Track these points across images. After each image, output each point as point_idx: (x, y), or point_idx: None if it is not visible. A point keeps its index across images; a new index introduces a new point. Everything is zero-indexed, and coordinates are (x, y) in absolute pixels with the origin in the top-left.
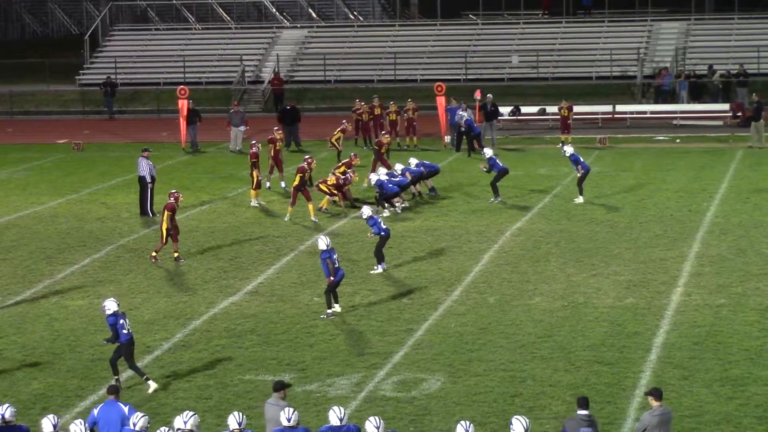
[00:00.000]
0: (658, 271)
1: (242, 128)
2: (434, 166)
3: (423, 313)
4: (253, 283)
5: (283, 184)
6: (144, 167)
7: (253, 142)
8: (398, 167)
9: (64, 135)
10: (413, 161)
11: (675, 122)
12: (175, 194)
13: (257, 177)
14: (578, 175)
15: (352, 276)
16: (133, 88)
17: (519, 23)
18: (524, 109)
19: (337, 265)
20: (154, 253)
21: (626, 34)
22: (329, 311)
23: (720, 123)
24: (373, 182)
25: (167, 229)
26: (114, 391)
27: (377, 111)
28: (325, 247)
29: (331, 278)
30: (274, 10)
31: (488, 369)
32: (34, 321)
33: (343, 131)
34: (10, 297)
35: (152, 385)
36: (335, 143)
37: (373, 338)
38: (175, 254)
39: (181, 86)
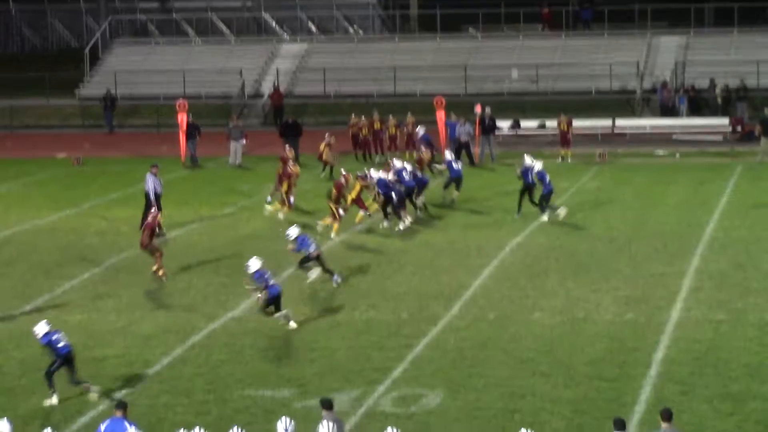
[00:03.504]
0: (657, 287)
1: (242, 142)
2: (424, 180)
3: (422, 329)
4: (253, 298)
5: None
6: (149, 183)
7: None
8: (373, 173)
9: (63, 149)
10: (403, 166)
11: (675, 137)
12: (154, 212)
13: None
14: (540, 193)
15: (351, 291)
16: (132, 102)
17: (519, 37)
18: (524, 123)
19: (271, 282)
20: (159, 271)
21: (626, 48)
22: (292, 323)
23: (720, 138)
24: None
25: (150, 246)
26: (122, 407)
27: (377, 125)
28: (258, 267)
29: (261, 295)
30: (273, 24)
31: (488, 384)
32: (33, 336)
33: (328, 145)
34: (9, 312)
35: (94, 394)
36: (328, 159)
37: (372, 353)
38: (158, 270)
39: (181, 100)
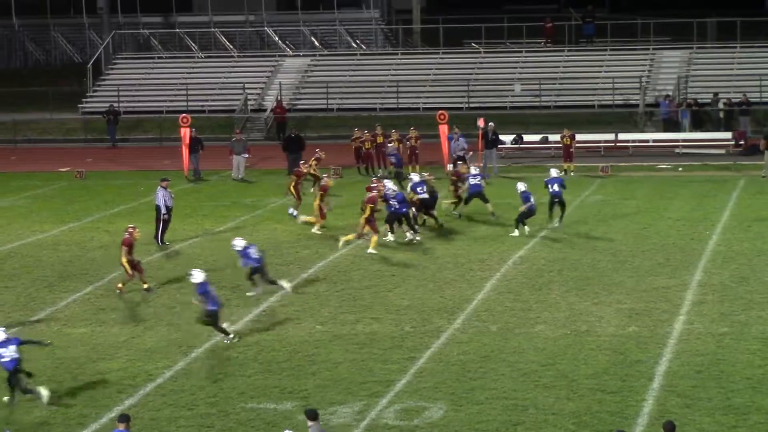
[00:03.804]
0: (660, 300)
1: (244, 156)
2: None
3: (425, 341)
4: (255, 311)
5: (292, 211)
6: (159, 197)
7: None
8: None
9: (66, 163)
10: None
11: (677, 151)
12: (131, 229)
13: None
14: (521, 209)
15: (354, 304)
16: (135, 117)
17: (521, 52)
18: (526, 138)
19: (212, 299)
20: (120, 285)
21: (628, 63)
22: (230, 336)
23: (722, 152)
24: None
25: (129, 262)
26: (125, 420)
27: (379, 139)
28: (201, 280)
29: (209, 307)
30: (276, 38)
31: (490, 397)
32: (36, 349)
33: (317, 160)
34: (12, 325)
35: (44, 395)
36: (315, 173)
37: (375, 366)
38: (145, 285)
39: (183, 114)
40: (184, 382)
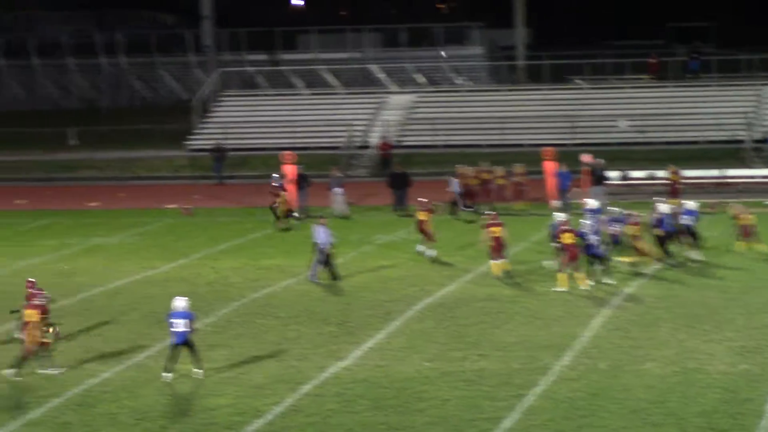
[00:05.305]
0: None
1: (339, 191)
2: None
3: (533, 379)
4: (363, 347)
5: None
6: (321, 234)
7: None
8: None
9: (173, 200)
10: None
11: None
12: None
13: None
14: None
15: (461, 340)
16: (241, 154)
17: (625, 88)
18: (632, 174)
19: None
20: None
21: (734, 98)
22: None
23: None
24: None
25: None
26: None
27: (485, 175)
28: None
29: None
30: (381, 75)
31: None
32: (146, 385)
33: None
34: (123, 360)
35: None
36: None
37: (483, 403)
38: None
39: (286, 151)
40: (293, 418)
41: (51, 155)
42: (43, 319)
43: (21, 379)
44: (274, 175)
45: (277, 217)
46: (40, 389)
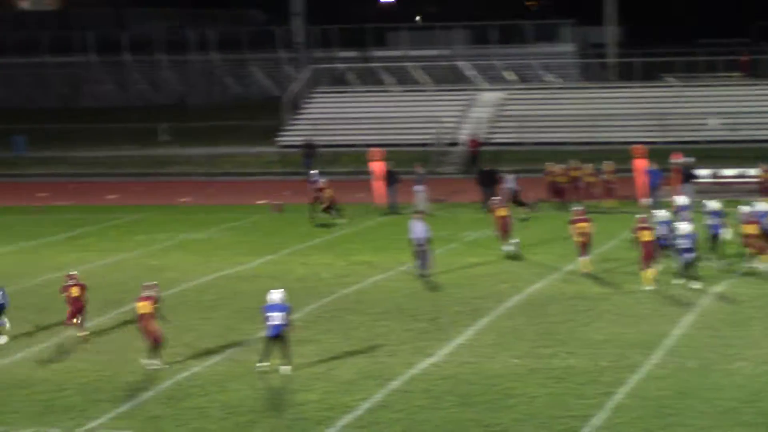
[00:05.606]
0: None
1: (420, 188)
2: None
3: (622, 377)
4: (452, 344)
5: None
6: (418, 229)
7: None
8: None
9: (263, 196)
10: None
11: None
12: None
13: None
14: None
15: (550, 338)
16: (331, 150)
17: (717, 86)
18: (722, 172)
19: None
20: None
21: None
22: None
23: None
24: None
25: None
26: None
27: (574, 173)
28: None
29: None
30: (470, 72)
31: None
32: (237, 380)
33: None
34: (213, 355)
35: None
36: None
37: (571, 401)
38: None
39: (374, 148)
40: (382, 414)
41: (142, 151)
42: (156, 310)
43: (167, 366)
44: (311, 172)
45: (315, 212)
46: (132, 383)
